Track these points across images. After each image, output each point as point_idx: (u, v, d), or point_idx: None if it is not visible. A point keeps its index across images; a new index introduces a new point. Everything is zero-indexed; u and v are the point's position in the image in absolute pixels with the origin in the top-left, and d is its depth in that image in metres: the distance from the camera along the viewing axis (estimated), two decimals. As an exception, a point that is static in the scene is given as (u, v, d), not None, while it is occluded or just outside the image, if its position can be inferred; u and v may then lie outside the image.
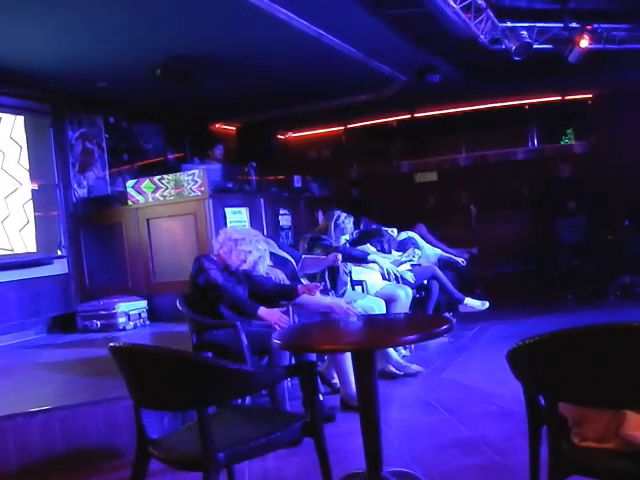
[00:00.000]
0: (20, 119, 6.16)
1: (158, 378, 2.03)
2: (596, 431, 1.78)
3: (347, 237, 4.98)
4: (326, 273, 4.55)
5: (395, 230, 5.26)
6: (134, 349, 2.12)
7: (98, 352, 4.59)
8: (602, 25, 6.06)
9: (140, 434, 2.13)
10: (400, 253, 5.59)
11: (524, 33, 5.74)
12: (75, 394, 3.52)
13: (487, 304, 5.71)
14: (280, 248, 4.53)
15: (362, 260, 4.86)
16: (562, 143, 9.10)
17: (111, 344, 2.06)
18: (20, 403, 3.29)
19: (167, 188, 6.07)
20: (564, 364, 1.59)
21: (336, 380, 4.00)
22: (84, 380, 3.93)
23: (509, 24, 5.73)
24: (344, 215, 4.95)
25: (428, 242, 6.55)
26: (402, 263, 5.51)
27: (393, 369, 4.36)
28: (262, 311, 3.46)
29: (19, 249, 6.05)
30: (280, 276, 4.10)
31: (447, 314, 5.58)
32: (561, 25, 5.96)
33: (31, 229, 6.19)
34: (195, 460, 1.97)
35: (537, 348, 1.64)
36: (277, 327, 3.42)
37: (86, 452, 3.10)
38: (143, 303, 6.12)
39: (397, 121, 9.54)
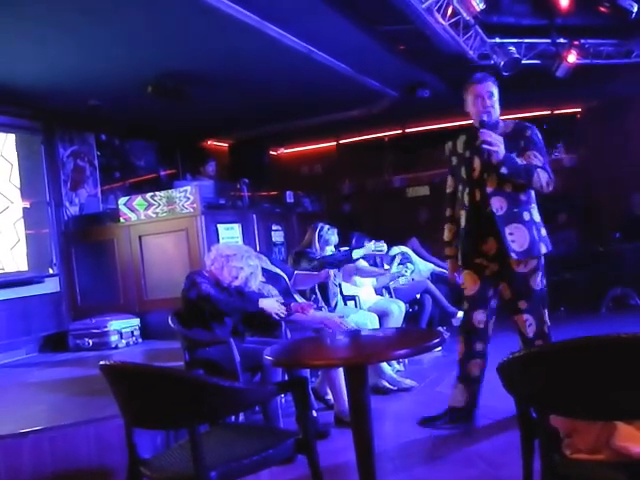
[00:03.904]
0: (11, 137, 6.16)
1: (149, 396, 2.01)
2: (587, 442, 1.78)
3: (332, 248, 4.98)
4: (316, 288, 4.56)
5: (385, 245, 5.27)
6: (124, 367, 2.11)
7: (89, 371, 4.56)
8: (589, 40, 6.15)
9: (131, 454, 2.11)
10: (389, 267, 5.60)
11: (512, 49, 5.81)
12: (66, 414, 3.48)
13: (480, 317, 5.70)
14: (272, 264, 4.53)
15: (348, 260, 4.84)
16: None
17: (101, 362, 2.05)
18: (10, 423, 3.25)
19: (159, 205, 6.07)
20: (554, 376, 1.59)
21: (330, 396, 3.99)
22: (75, 399, 3.90)
23: (497, 40, 5.80)
24: (327, 226, 4.96)
25: (421, 256, 6.57)
26: (395, 278, 5.52)
27: (387, 384, 4.34)
28: (262, 302, 3.54)
29: (10, 268, 6.01)
30: (273, 292, 4.09)
31: (440, 328, 5.58)
32: (549, 41, 6.04)
33: (22, 247, 6.16)
34: (187, 479, 1.95)
35: (527, 361, 1.65)
36: (275, 316, 3.51)
37: (77, 473, 3.05)
38: (135, 321, 6.08)
39: (388, 136, 9.60)
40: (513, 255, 3.14)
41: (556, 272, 7.71)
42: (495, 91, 3.26)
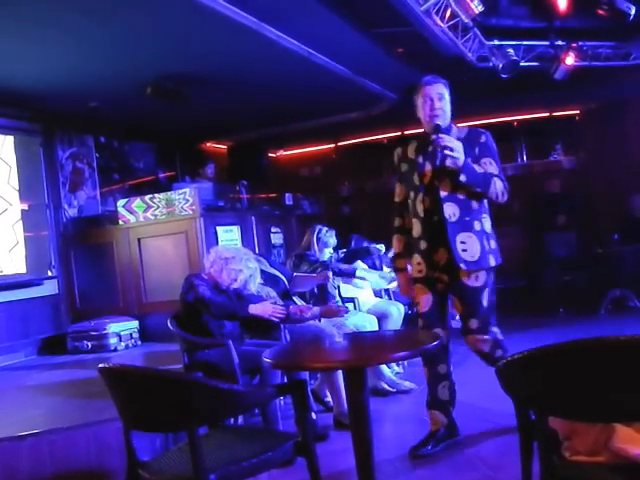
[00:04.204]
0: (10, 139, 6.16)
1: (148, 399, 2.01)
2: (586, 445, 1.78)
3: (331, 250, 4.97)
4: (315, 290, 4.56)
5: (383, 246, 5.27)
6: (123, 370, 2.11)
7: (88, 373, 4.55)
8: (587, 43, 6.17)
9: (130, 457, 2.11)
10: (390, 269, 5.60)
11: (511, 51, 5.82)
12: (65, 417, 3.48)
13: (479, 320, 5.70)
14: (271, 266, 4.53)
15: (350, 275, 4.85)
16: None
17: (100, 365, 2.05)
18: (8, 427, 3.24)
19: (158, 207, 6.07)
20: (553, 378, 1.59)
21: (329, 398, 3.98)
22: (74, 402, 3.89)
23: (496, 42, 5.82)
24: (325, 229, 4.94)
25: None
26: (393, 280, 5.51)
27: (386, 386, 4.34)
28: (253, 308, 3.46)
29: (8, 270, 6.00)
30: (272, 294, 4.10)
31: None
32: (547, 43, 6.06)
33: (21, 250, 6.15)
34: (186, 482, 1.95)
35: (526, 363, 1.64)
36: (274, 319, 3.46)
37: (76, 476, 3.05)
38: (134, 323, 6.08)
39: (387, 138, 9.60)
40: (462, 266, 2.98)
41: (555, 274, 7.74)
42: (446, 94, 3.11)
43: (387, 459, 3.06)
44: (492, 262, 3.07)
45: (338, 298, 4.75)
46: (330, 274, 4.46)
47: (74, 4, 4.14)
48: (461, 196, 3.01)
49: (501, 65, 5.77)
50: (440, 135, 2.93)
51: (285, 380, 3.45)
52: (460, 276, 3.03)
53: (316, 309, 3.87)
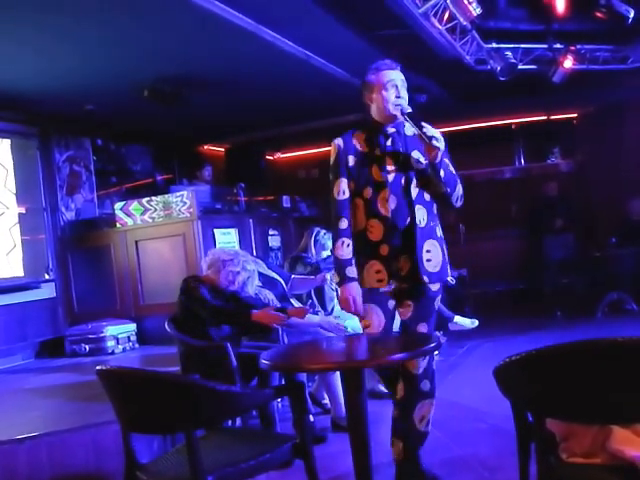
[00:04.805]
0: (6, 142, 6.15)
1: (146, 401, 2.01)
2: (583, 446, 1.78)
3: (329, 253, 4.96)
4: (312, 292, 4.55)
5: None
6: (121, 372, 2.11)
7: (86, 377, 4.55)
8: (585, 46, 6.19)
9: (128, 459, 2.10)
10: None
11: (509, 54, 5.84)
12: (63, 419, 3.47)
13: (477, 322, 5.71)
14: (269, 268, 4.53)
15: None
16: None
17: (98, 367, 2.04)
18: (6, 429, 3.24)
19: (156, 210, 6.07)
20: (550, 380, 1.59)
21: (327, 400, 3.98)
22: (72, 405, 3.89)
23: (494, 45, 5.83)
24: (323, 231, 4.93)
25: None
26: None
27: (383, 388, 4.33)
28: (256, 315, 3.46)
29: (6, 273, 6.00)
30: (269, 297, 4.10)
31: (436, 332, 5.56)
32: (545, 46, 6.08)
33: (18, 253, 6.14)
34: (184, 484, 1.94)
35: (523, 364, 1.65)
36: (276, 326, 3.48)
37: (74, 478, 3.04)
38: (132, 326, 6.07)
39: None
40: (425, 278, 2.65)
41: (553, 277, 7.75)
42: (405, 80, 2.74)
43: (385, 462, 3.05)
44: (449, 272, 2.80)
45: (336, 300, 4.74)
46: (328, 276, 4.46)
47: (71, 7, 4.14)
48: (427, 198, 2.70)
49: (499, 68, 5.79)
50: (423, 124, 2.61)
51: (283, 382, 3.45)
52: (424, 284, 2.72)
53: (316, 319, 3.88)
